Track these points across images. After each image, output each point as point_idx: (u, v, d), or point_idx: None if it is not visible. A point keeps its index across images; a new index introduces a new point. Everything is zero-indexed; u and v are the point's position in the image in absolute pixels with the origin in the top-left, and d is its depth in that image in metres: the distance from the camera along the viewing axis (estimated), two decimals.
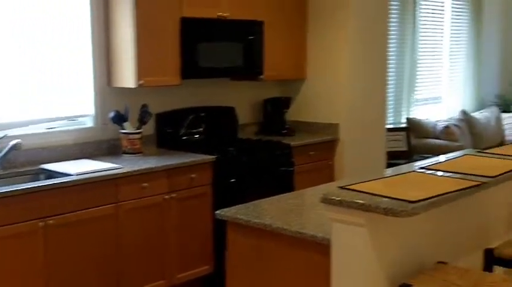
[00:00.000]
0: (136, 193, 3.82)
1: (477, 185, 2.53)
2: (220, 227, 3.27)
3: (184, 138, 4.65)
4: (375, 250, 2.35)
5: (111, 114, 4.23)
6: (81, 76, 4.20)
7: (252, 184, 4.42)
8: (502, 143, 7.63)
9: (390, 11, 6.20)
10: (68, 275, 3.54)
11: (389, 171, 3.53)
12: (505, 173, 2.75)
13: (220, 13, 4.50)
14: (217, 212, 2.82)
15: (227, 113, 5.01)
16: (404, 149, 6.56)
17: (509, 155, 3.18)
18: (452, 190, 2.42)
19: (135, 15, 4.03)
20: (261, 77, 4.89)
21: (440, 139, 6.91)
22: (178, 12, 4.26)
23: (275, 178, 4.61)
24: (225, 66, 4.62)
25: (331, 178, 5.12)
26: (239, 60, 4.69)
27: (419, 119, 7.04)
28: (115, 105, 4.29)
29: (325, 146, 5.16)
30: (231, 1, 4.58)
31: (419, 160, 4.19)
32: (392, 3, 6.55)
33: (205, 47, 4.41)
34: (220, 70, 4.62)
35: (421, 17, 7.18)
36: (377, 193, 2.37)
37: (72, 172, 3.63)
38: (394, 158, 6.04)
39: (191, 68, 4.35)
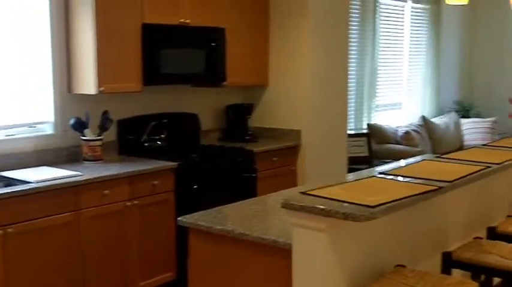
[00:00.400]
0: (97, 200, 3.79)
1: (434, 190, 2.59)
2: (183, 234, 3.26)
3: (146, 145, 4.62)
4: (336, 254, 2.38)
5: (72, 121, 4.18)
6: (41, 82, 4.15)
7: (215, 190, 4.42)
8: (461, 147, 7.78)
9: (350, 18, 6.28)
10: (29, 284, 3.48)
11: (351, 176, 3.58)
12: (461, 177, 2.81)
13: (182, 20, 4.50)
14: (179, 218, 2.81)
15: (189, 120, 5.00)
16: (366, 154, 6.65)
17: (466, 160, 3.26)
18: (410, 194, 2.47)
19: (96, 21, 4.00)
20: (224, 83, 4.90)
21: (400, 144, 7.02)
22: (139, 19, 4.24)
23: (238, 184, 4.62)
24: (187, 73, 4.62)
25: (294, 183, 5.15)
26: (201, 67, 4.69)
27: (380, 125, 7.14)
28: (75, 112, 4.24)
29: (287, 152, 5.19)
30: (193, 8, 4.58)
31: (380, 165, 4.27)
32: (352, 10, 6.64)
33: (167, 54, 4.40)
34: (182, 76, 4.61)
35: (381, 24, 7.29)
36: (337, 198, 2.40)
37: (32, 180, 3.57)
38: (356, 163, 6.12)
39: (153, 74, 4.33)
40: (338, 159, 5.65)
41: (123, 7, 4.15)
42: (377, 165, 4.94)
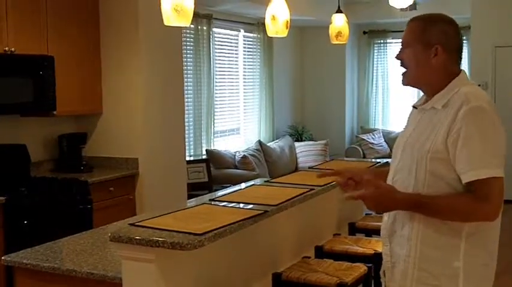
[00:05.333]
0: None
1: (260, 214, 2.69)
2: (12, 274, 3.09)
3: None
4: (167, 284, 2.38)
5: None
6: None
7: (48, 224, 4.23)
8: (296, 169, 8.17)
9: (185, 47, 6.38)
10: None
11: (185, 204, 3.62)
12: (286, 201, 2.96)
13: (7, 48, 4.30)
14: (3, 257, 2.68)
15: (18, 151, 4.75)
16: (205, 180, 6.74)
17: (292, 183, 3.43)
18: (237, 220, 2.55)
19: None
20: (54, 112, 4.74)
21: (238, 169, 7.21)
22: None
23: (73, 217, 4.46)
24: (14, 103, 4.40)
25: (132, 213, 5.07)
26: (29, 96, 4.50)
27: (219, 150, 7.28)
28: None
29: (125, 181, 5.11)
30: (17, 36, 4.38)
31: (220, 189, 4.38)
32: (186, 39, 6.76)
33: None
34: (7, 106, 4.39)
35: (216, 52, 7.48)
36: (166, 227, 2.41)
37: None
38: (196, 189, 6.19)
39: None
40: (178, 186, 5.66)
41: None
42: (217, 190, 5.05)
